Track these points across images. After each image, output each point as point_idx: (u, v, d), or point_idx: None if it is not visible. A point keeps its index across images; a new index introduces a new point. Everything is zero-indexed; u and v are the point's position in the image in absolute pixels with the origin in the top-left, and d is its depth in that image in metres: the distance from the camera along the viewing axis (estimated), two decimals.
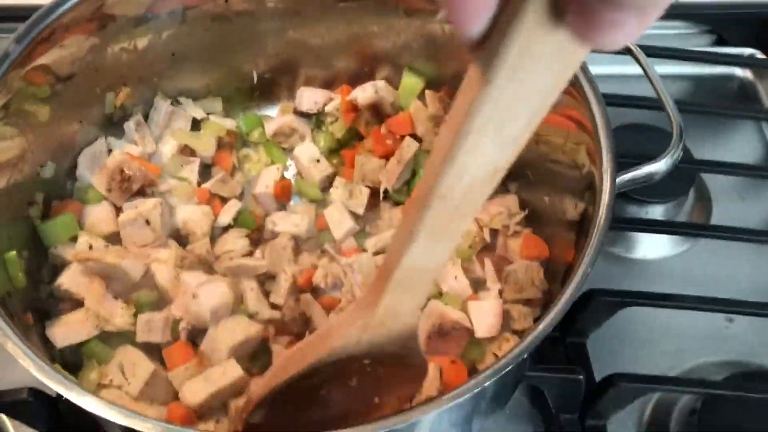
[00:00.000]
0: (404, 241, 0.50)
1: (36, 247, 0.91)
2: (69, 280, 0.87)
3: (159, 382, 0.83)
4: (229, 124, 1.08)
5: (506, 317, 0.88)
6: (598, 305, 0.92)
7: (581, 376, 0.84)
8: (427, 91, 1.04)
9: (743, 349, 0.99)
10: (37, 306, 0.88)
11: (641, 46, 0.93)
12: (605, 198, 0.78)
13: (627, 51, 0.93)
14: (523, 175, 0.98)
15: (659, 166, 0.85)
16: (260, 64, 1.09)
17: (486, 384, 0.65)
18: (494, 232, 0.97)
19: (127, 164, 0.95)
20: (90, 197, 0.97)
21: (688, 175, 1.11)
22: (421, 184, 0.48)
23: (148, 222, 0.91)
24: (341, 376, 0.58)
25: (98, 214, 0.95)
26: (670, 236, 1.08)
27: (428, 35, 1.03)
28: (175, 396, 0.83)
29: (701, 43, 1.36)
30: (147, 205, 0.92)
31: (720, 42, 1.36)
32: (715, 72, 1.31)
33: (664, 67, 1.17)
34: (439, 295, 0.88)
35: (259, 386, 0.64)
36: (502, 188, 1.00)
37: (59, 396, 0.78)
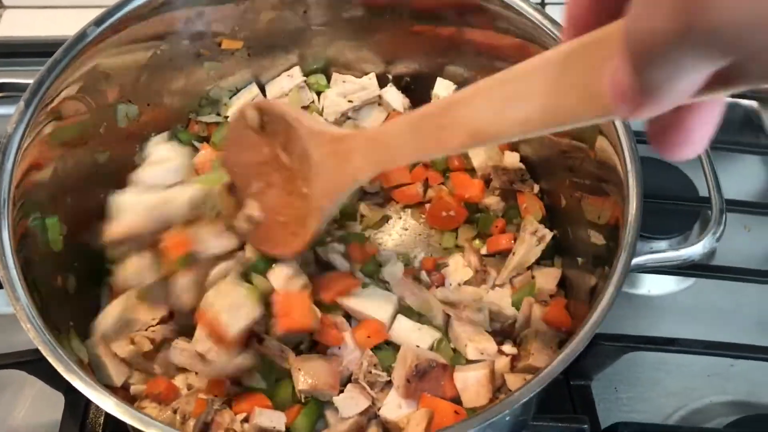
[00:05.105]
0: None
1: None
2: None
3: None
4: None
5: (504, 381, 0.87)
6: (602, 350, 0.90)
7: (586, 425, 0.83)
8: None
9: (749, 388, 0.98)
10: None
11: None
12: (615, 276, 0.75)
13: None
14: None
15: (694, 251, 0.82)
16: None
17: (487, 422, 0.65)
18: None
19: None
20: None
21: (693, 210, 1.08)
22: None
23: None
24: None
25: None
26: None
27: None
28: None
29: None
30: None
31: None
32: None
33: None
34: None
35: None
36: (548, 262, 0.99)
37: None
